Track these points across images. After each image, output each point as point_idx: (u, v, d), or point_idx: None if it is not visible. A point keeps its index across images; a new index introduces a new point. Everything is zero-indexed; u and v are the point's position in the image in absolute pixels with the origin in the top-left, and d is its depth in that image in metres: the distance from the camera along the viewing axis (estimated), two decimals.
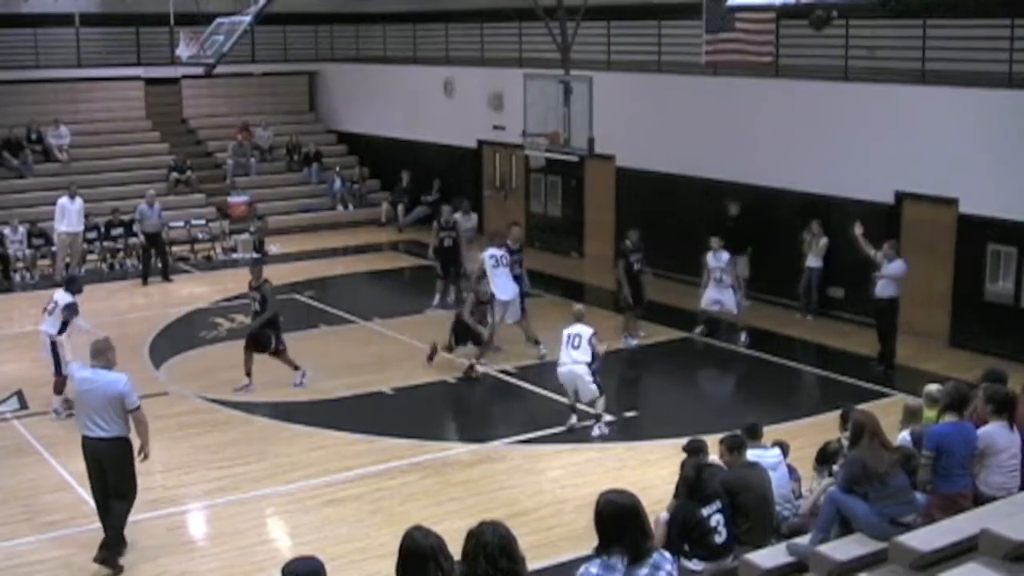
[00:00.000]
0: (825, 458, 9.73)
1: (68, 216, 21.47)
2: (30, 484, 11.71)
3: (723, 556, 8.31)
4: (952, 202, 16.16)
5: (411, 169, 26.95)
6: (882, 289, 15.05)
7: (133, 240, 22.58)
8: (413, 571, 5.16)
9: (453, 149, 26.01)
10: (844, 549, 7.71)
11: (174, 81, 28.30)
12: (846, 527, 8.06)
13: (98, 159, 26.49)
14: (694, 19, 18.35)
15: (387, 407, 14.37)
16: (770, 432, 10.31)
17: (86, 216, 22.01)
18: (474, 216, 19.78)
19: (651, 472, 11.56)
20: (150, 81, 28.22)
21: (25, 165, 25.21)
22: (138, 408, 9.68)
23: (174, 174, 26.13)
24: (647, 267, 16.77)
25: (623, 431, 13.14)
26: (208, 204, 25.93)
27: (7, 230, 21.94)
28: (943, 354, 15.82)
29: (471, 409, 14.71)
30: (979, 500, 8.29)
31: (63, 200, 21.54)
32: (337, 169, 28.00)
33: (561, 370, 12.97)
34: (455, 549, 5.20)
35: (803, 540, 8.16)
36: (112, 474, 9.70)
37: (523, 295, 16.54)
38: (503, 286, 15.94)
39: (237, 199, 25.81)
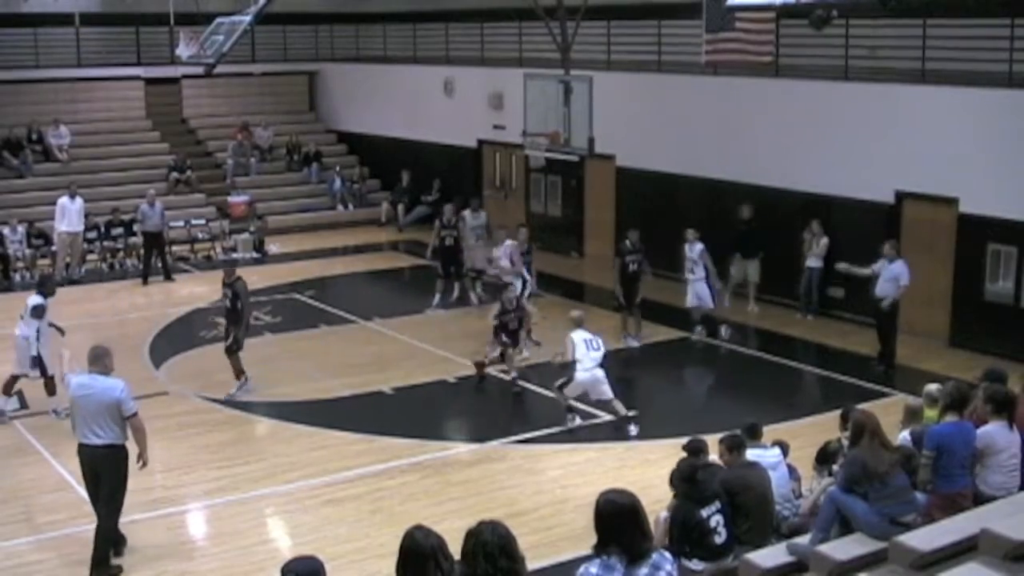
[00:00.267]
0: (825, 458, 9.73)
1: (68, 216, 21.46)
2: (30, 484, 11.71)
3: (723, 556, 8.30)
4: (952, 202, 16.16)
5: (411, 169, 26.96)
6: (882, 289, 15.06)
7: (133, 240, 22.59)
8: (413, 571, 5.16)
9: (453, 149, 26.01)
10: (844, 549, 7.71)
11: (174, 81, 28.31)
12: (846, 527, 8.06)
13: (98, 159, 26.49)
14: (694, 19, 18.33)
15: (387, 407, 14.37)
16: (770, 432, 10.31)
17: (86, 216, 22.01)
18: (483, 214, 19.83)
19: (651, 472, 11.54)
20: (150, 81, 28.23)
21: (25, 165, 25.22)
22: (135, 415, 9.55)
23: (174, 174, 26.13)
24: (648, 267, 16.72)
25: (623, 431, 13.13)
26: (208, 204, 25.94)
27: (7, 230, 21.94)
28: (943, 354, 15.82)
29: (471, 409, 14.70)
30: (979, 500, 8.29)
31: (63, 200, 21.54)
32: (337, 169, 28.01)
33: (589, 375, 12.88)
34: (455, 549, 5.20)
35: (803, 540, 8.16)
36: (105, 482, 9.59)
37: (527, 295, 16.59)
38: None
39: (237, 199, 25.81)
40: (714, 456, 9.14)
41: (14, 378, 13.72)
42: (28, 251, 21.98)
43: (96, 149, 26.83)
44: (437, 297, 18.77)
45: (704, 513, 8.22)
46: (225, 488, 11.63)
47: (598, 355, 12.91)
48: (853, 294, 16.97)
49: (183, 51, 21.05)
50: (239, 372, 14.50)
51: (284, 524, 11.08)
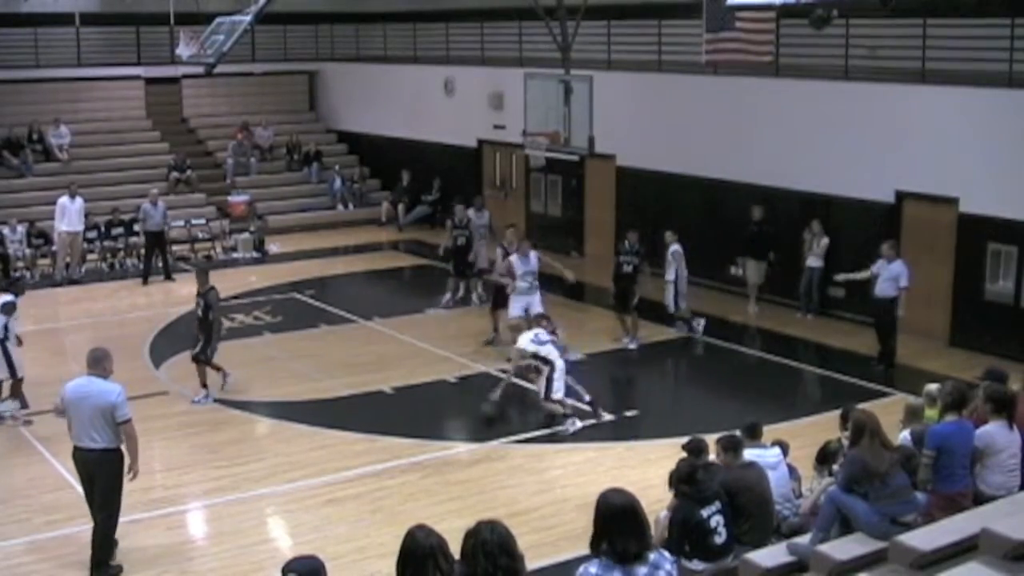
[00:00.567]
0: (825, 458, 9.73)
1: (68, 216, 21.46)
2: (30, 484, 11.71)
3: (723, 556, 8.30)
4: (952, 201, 16.15)
5: (411, 169, 26.96)
6: (882, 290, 15.07)
7: (133, 239, 22.59)
8: (413, 570, 5.16)
9: (453, 148, 26.01)
10: (844, 549, 7.71)
11: (174, 80, 28.30)
12: (846, 527, 8.07)
13: (98, 159, 26.49)
14: (694, 18, 18.33)
15: (387, 407, 14.37)
16: (770, 431, 10.31)
17: (86, 215, 22.01)
18: (487, 213, 19.86)
19: (651, 471, 11.53)
20: (150, 80, 28.24)
21: (25, 165, 25.22)
22: (128, 421, 9.44)
23: (174, 173, 26.13)
24: (646, 269, 16.70)
25: (623, 430, 13.14)
26: (208, 203, 25.94)
27: (7, 230, 21.94)
28: (943, 354, 15.82)
29: (471, 408, 14.67)
30: (979, 499, 8.29)
31: (63, 200, 21.53)
32: (337, 168, 28.02)
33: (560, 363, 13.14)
34: (455, 549, 5.20)
35: (803, 540, 8.17)
36: (100, 486, 9.54)
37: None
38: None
39: (237, 198, 25.82)
40: (714, 456, 9.15)
41: (19, 380, 13.71)
42: (28, 251, 21.98)
43: (96, 149, 26.83)
44: (448, 296, 18.77)
45: (705, 513, 8.22)
46: (225, 488, 11.63)
47: (548, 346, 13.21)
48: (853, 294, 16.96)
49: (183, 51, 21.02)
50: (203, 383, 14.35)
51: (284, 524, 11.08)
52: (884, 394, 14.01)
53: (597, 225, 22.47)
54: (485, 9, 25.44)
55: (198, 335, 14.50)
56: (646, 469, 11.75)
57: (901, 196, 16.91)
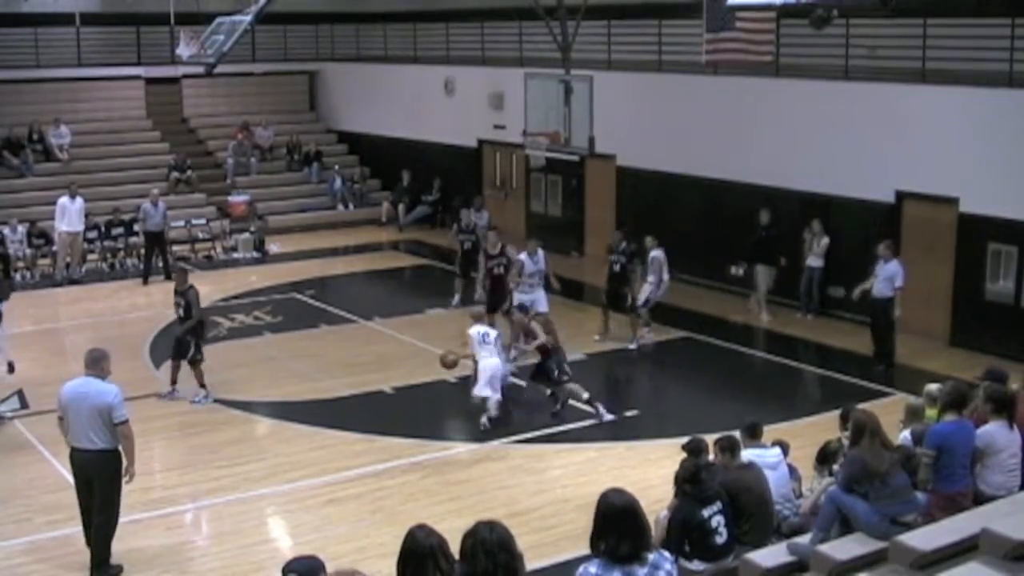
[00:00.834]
0: (825, 458, 9.72)
1: (68, 216, 21.46)
2: (30, 484, 11.71)
3: (724, 557, 8.30)
4: (952, 201, 16.15)
5: (411, 168, 26.95)
6: (879, 290, 15.08)
7: (133, 239, 22.59)
8: (414, 570, 5.17)
9: (454, 148, 26.01)
10: (844, 548, 7.71)
11: (174, 80, 28.30)
12: (847, 526, 8.06)
13: (98, 159, 26.49)
14: (695, 18, 18.32)
15: (388, 406, 14.37)
16: (770, 431, 10.31)
17: (87, 215, 22.01)
18: (485, 214, 19.96)
19: (652, 471, 11.56)
20: (150, 80, 28.23)
21: (26, 165, 25.22)
22: (125, 423, 9.41)
23: (174, 173, 26.13)
24: (634, 268, 16.66)
25: (624, 431, 13.14)
26: (208, 203, 25.93)
27: (7, 230, 21.94)
28: (943, 353, 15.82)
29: (472, 408, 14.67)
30: (979, 499, 8.29)
31: (63, 200, 21.54)
32: (337, 168, 28.01)
33: (486, 365, 13.34)
34: (454, 549, 5.20)
35: (803, 539, 8.16)
36: (99, 488, 9.51)
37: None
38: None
39: (237, 198, 25.81)
40: (713, 456, 9.15)
41: None
42: (29, 251, 21.98)
43: (96, 149, 26.83)
44: (456, 297, 18.77)
45: (706, 513, 8.22)
46: (225, 488, 11.63)
47: (490, 347, 13.43)
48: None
49: (183, 51, 21.03)
50: (201, 383, 14.32)
51: (285, 524, 11.08)
52: (884, 394, 14.01)
53: (597, 225, 22.45)
54: (485, 9, 25.44)
55: (180, 335, 14.42)
56: (646, 469, 11.76)
57: (901, 196, 16.90)
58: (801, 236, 17.81)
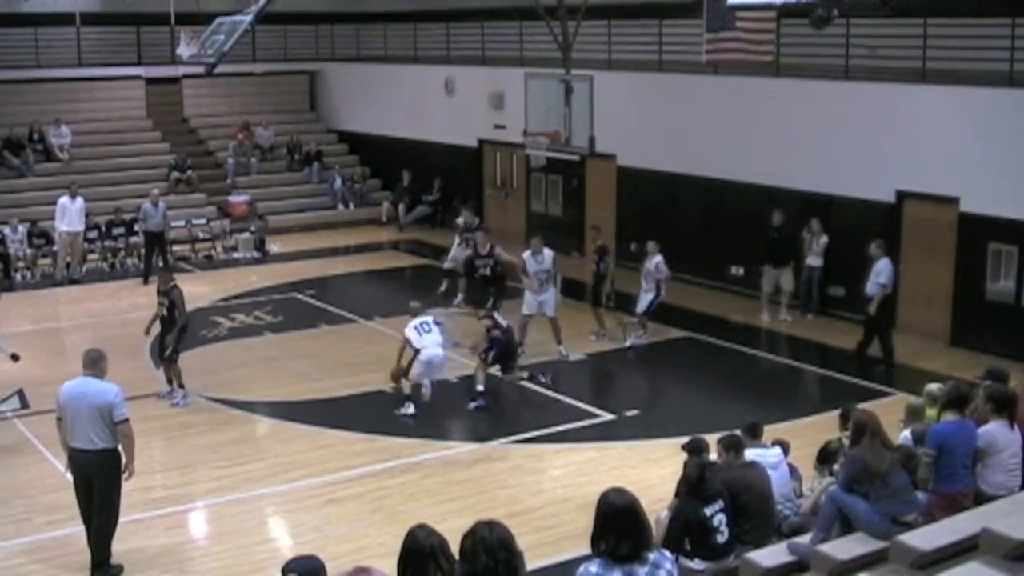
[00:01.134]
0: (826, 457, 9.72)
1: (68, 216, 21.47)
2: (30, 483, 11.70)
3: (724, 556, 8.29)
4: (953, 201, 16.15)
5: (412, 168, 26.96)
6: (870, 288, 15.13)
7: (134, 239, 22.59)
8: (414, 570, 5.17)
9: (454, 148, 26.01)
10: (845, 548, 7.70)
11: (175, 80, 28.30)
12: (847, 526, 8.06)
13: (99, 158, 26.49)
14: (695, 18, 18.34)
15: (388, 406, 14.35)
16: (771, 431, 10.30)
17: (87, 215, 22.01)
18: (475, 218, 20.11)
19: (652, 471, 11.56)
20: (151, 80, 28.23)
21: (26, 165, 25.22)
22: (125, 421, 9.40)
23: (175, 173, 26.14)
24: (605, 266, 16.74)
25: (624, 430, 13.14)
26: (209, 203, 25.93)
27: (8, 230, 21.95)
28: (944, 353, 15.82)
29: (472, 408, 14.68)
30: (980, 499, 8.28)
31: (63, 200, 21.54)
32: (337, 168, 28.02)
33: (424, 356, 13.58)
34: (454, 549, 5.20)
35: (804, 539, 8.16)
36: (99, 488, 9.49)
37: (499, 295, 16.59)
38: None
39: (238, 198, 25.82)
40: (715, 456, 9.14)
41: None
42: (29, 251, 21.98)
43: (97, 149, 26.83)
44: (460, 296, 18.78)
45: (707, 511, 8.21)
46: (226, 488, 11.63)
47: (431, 337, 13.67)
48: (853, 293, 16.96)
49: (184, 51, 21.02)
50: (179, 383, 14.25)
51: (285, 523, 11.08)
52: (884, 394, 14.01)
53: (598, 225, 22.43)
54: (485, 9, 25.43)
55: (165, 336, 14.39)
56: (647, 469, 11.76)
57: (902, 196, 16.90)
58: (800, 236, 17.79)
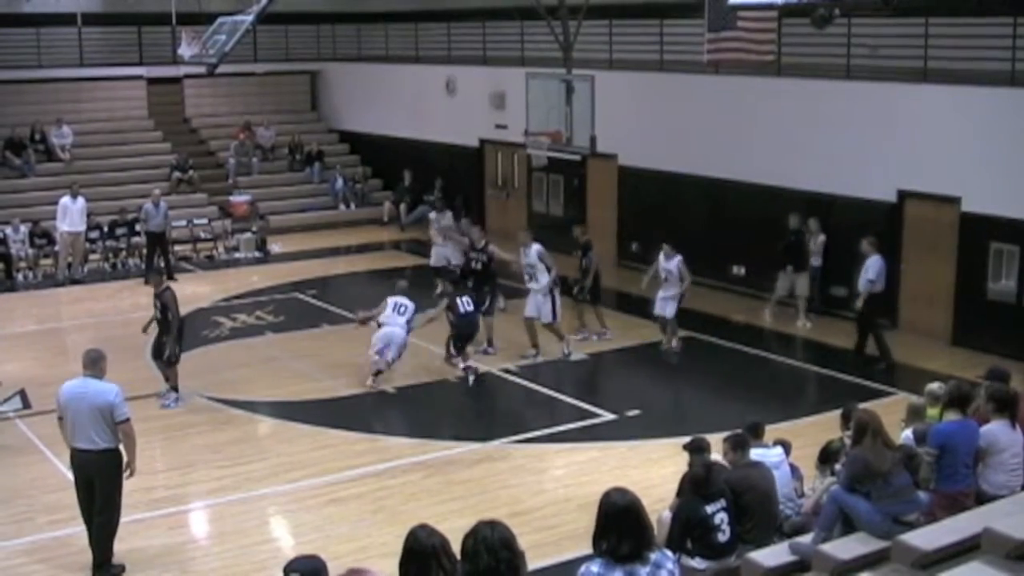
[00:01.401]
0: (827, 457, 9.71)
1: (70, 216, 21.47)
2: (32, 483, 11.71)
3: (726, 555, 8.29)
4: (954, 201, 16.14)
5: (413, 168, 26.97)
6: (862, 284, 15.14)
7: (135, 239, 22.60)
8: (416, 570, 5.17)
9: (455, 148, 26.02)
10: (846, 548, 7.71)
11: (176, 80, 28.33)
12: (848, 526, 8.06)
13: (100, 159, 26.51)
14: (696, 18, 18.33)
15: (389, 406, 14.37)
16: (772, 431, 10.30)
17: (89, 215, 22.02)
18: (448, 213, 20.43)
19: (654, 471, 11.56)
20: (152, 80, 28.25)
21: (28, 165, 25.25)
22: (127, 421, 9.41)
23: (176, 173, 26.15)
24: (589, 264, 16.78)
25: (626, 430, 13.14)
26: (210, 203, 25.94)
27: (9, 230, 21.96)
28: (945, 353, 15.81)
29: (473, 408, 14.70)
30: (981, 499, 8.28)
31: (65, 200, 21.55)
32: (339, 168, 28.03)
33: (387, 330, 14.67)
34: (457, 550, 5.20)
35: (805, 539, 8.16)
36: (100, 488, 9.49)
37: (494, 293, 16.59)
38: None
39: (239, 198, 25.84)
40: (716, 455, 9.14)
41: None
42: (31, 251, 21.99)
43: (98, 149, 26.85)
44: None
45: (709, 509, 8.21)
46: (227, 487, 11.63)
47: (402, 319, 14.76)
48: (856, 294, 16.93)
49: (185, 51, 21.03)
50: (174, 384, 14.24)
51: (286, 523, 11.08)
52: (886, 393, 14.00)
53: (599, 225, 22.39)
54: (487, 9, 25.44)
55: (161, 339, 14.38)
56: (648, 469, 11.76)
57: (903, 195, 16.90)
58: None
